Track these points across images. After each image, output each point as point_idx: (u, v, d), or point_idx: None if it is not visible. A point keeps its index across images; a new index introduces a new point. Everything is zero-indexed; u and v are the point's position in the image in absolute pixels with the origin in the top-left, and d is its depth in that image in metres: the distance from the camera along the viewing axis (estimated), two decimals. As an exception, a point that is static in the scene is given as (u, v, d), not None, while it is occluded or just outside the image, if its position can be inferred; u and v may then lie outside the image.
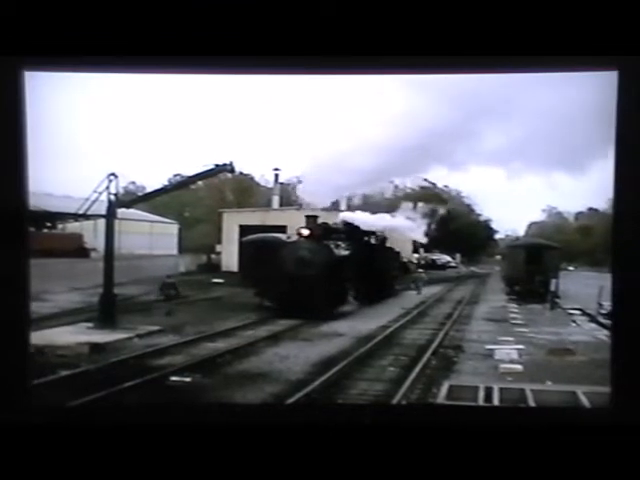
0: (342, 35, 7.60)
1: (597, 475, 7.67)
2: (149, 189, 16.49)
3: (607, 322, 12.21)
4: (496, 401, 10.20)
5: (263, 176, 20.13)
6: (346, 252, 17.61)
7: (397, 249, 19.93)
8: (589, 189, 12.61)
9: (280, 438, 7.89)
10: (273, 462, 7.76)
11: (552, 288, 16.48)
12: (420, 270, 20.00)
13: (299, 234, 16.84)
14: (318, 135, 14.49)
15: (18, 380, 8.01)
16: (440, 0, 7.61)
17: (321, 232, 17.05)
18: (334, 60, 7.80)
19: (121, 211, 14.74)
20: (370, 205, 18.51)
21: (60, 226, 18.00)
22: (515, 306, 16.62)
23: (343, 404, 10.38)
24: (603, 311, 13.69)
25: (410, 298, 18.10)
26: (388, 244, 19.09)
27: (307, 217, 17.12)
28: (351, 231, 18.16)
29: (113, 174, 14.20)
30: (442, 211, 18.87)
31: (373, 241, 18.88)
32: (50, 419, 8.23)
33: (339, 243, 17.71)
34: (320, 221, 17.15)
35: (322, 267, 16.28)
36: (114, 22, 7.55)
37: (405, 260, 20.26)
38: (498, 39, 7.58)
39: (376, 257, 18.34)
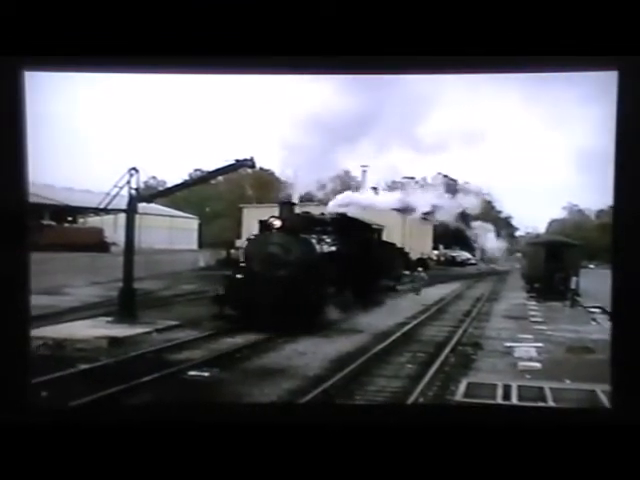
0: (342, 35, 7.59)
1: (597, 475, 7.65)
2: (170, 184, 16.49)
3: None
4: (514, 399, 10.18)
5: (283, 171, 20.12)
6: (332, 248, 15.38)
7: (400, 244, 18.23)
8: (610, 186, 12.51)
9: (297, 437, 7.92)
10: (287, 461, 7.79)
11: (572, 286, 16.39)
12: (419, 269, 18.37)
13: (269, 225, 14.48)
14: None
15: (18, 379, 8.04)
16: (440, 0, 7.60)
17: (299, 223, 14.75)
18: (337, 60, 7.79)
19: (142, 206, 14.75)
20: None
21: (81, 220, 18.12)
22: (535, 304, 16.55)
23: (358, 404, 10.33)
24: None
25: (428, 295, 17.94)
26: (399, 241, 18.31)
27: (281, 204, 14.89)
28: (341, 223, 15.96)
29: (134, 169, 14.20)
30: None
31: (369, 235, 16.92)
32: (57, 418, 8.30)
33: (324, 237, 15.41)
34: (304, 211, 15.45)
35: (298, 266, 14.00)
36: (114, 22, 7.57)
37: (425, 257, 20.10)
38: (498, 39, 7.58)
39: (373, 254, 16.34)
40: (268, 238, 14.46)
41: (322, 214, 16.22)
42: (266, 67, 8.11)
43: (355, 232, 16.27)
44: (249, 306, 13.59)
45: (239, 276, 14.31)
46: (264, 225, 14.80)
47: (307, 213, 15.81)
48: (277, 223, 14.40)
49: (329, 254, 15.17)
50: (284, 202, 15.05)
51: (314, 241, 14.98)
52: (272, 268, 14.04)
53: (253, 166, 15.44)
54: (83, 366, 11.08)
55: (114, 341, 12.41)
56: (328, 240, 15.52)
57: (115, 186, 14.31)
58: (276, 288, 13.60)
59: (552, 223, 18.54)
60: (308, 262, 14.17)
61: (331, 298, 14.10)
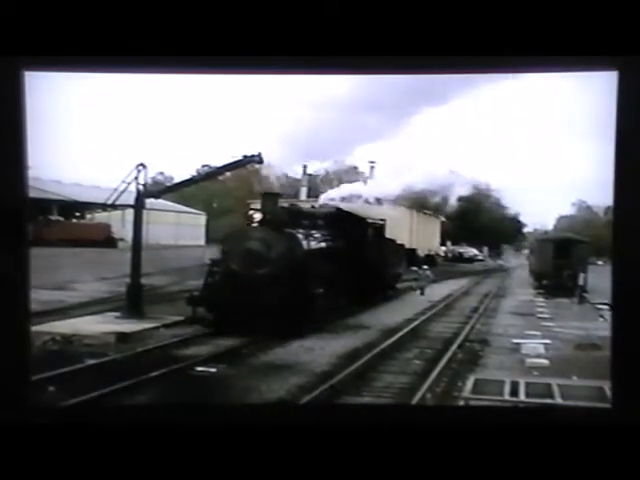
0: (346, 35, 7.57)
1: (597, 475, 7.62)
2: (177, 180, 16.47)
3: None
4: (522, 395, 10.18)
5: (291, 167, 20.07)
6: (321, 244, 14.23)
7: (406, 240, 17.37)
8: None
9: (303, 436, 7.91)
10: (294, 460, 7.78)
11: (580, 282, 16.32)
12: (425, 267, 17.44)
13: (249, 218, 13.45)
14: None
15: (19, 378, 8.03)
16: (441, 0, 7.58)
17: (284, 217, 13.48)
18: (342, 60, 7.77)
19: (149, 201, 14.75)
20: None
21: (88, 216, 18.13)
22: (542, 300, 16.51)
23: (365, 402, 10.30)
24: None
25: (436, 291, 17.87)
26: (406, 237, 17.81)
27: (264, 196, 13.60)
28: (333, 217, 14.84)
29: (142, 165, 14.19)
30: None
31: (365, 230, 15.34)
32: (62, 414, 8.32)
33: (313, 232, 14.21)
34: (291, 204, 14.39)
35: (280, 264, 12.71)
36: (115, 22, 7.55)
37: (432, 253, 20.03)
38: (498, 39, 7.54)
39: (369, 251, 15.05)
40: (247, 233, 13.35)
41: (312, 207, 15.35)
42: (272, 67, 8.08)
43: (348, 227, 15.03)
44: (225, 308, 12.72)
45: (216, 275, 13.36)
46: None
47: (294, 205, 14.91)
48: (257, 216, 13.26)
49: (318, 251, 14.10)
50: (267, 193, 14.00)
51: (300, 236, 13.90)
52: (251, 266, 12.89)
53: (261, 162, 15.34)
54: (90, 361, 11.12)
55: (122, 336, 12.42)
56: (317, 235, 14.48)
57: (123, 182, 14.30)
58: (255, 288, 12.56)
59: (560, 219, 18.46)
60: (292, 259, 12.97)
61: (319, 299, 12.99)
